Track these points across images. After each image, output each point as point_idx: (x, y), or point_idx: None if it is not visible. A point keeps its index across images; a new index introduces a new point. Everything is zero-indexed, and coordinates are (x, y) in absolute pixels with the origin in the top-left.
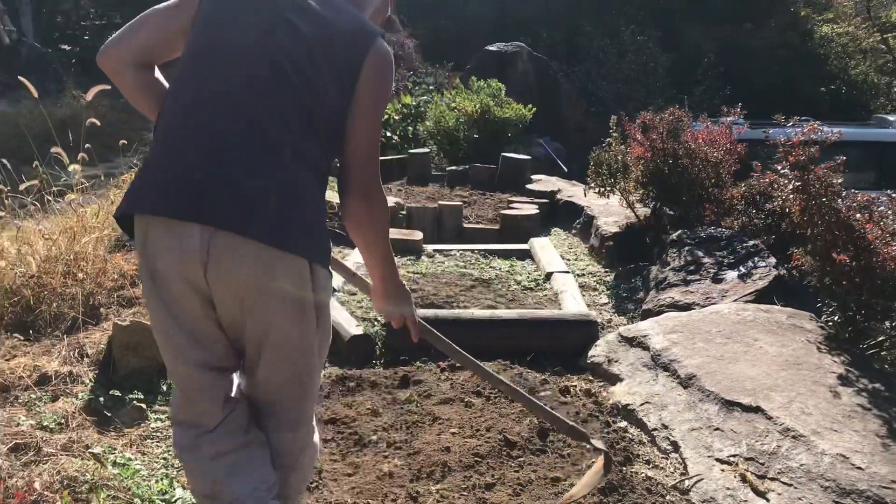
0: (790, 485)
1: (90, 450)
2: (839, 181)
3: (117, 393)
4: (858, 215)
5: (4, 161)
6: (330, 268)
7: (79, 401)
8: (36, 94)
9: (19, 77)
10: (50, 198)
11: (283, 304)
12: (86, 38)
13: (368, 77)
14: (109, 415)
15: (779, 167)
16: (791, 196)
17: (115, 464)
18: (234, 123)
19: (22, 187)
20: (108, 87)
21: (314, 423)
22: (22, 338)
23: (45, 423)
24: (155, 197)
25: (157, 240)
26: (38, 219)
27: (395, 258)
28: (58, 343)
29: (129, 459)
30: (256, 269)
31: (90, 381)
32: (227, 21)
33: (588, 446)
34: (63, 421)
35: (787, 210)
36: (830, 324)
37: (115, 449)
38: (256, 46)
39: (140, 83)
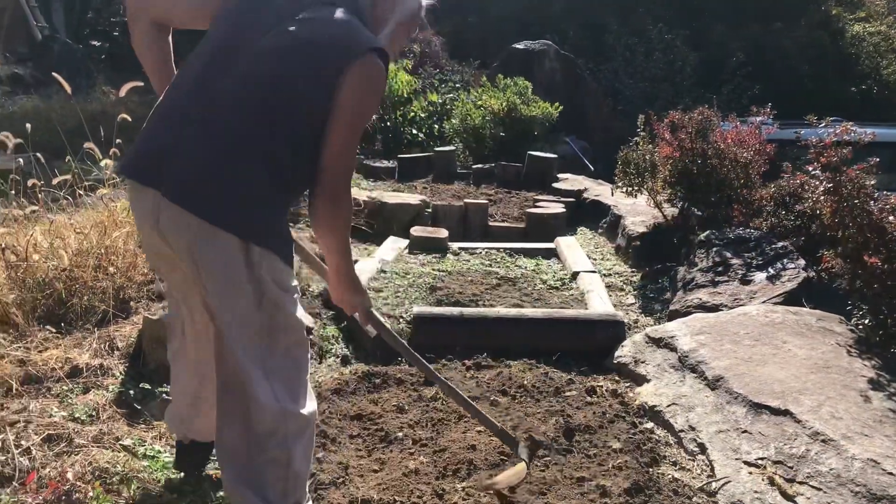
0: (819, 489)
1: (121, 441)
2: (872, 183)
3: (147, 386)
4: (891, 217)
5: (38, 155)
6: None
7: (109, 393)
8: (69, 91)
9: (52, 73)
10: (82, 192)
11: (214, 276)
12: (115, 33)
13: (349, 88)
14: (139, 407)
15: (810, 168)
16: (822, 197)
17: (145, 456)
18: (202, 108)
19: (55, 181)
20: (140, 83)
21: (293, 415)
22: (54, 330)
23: (76, 415)
24: (131, 162)
25: (132, 200)
26: (70, 213)
27: (421, 255)
28: (89, 336)
29: (159, 452)
30: (191, 238)
31: (120, 373)
32: (234, 22)
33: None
34: (94, 413)
35: (818, 212)
36: (861, 327)
37: (144, 441)
38: (247, 46)
39: (149, 36)
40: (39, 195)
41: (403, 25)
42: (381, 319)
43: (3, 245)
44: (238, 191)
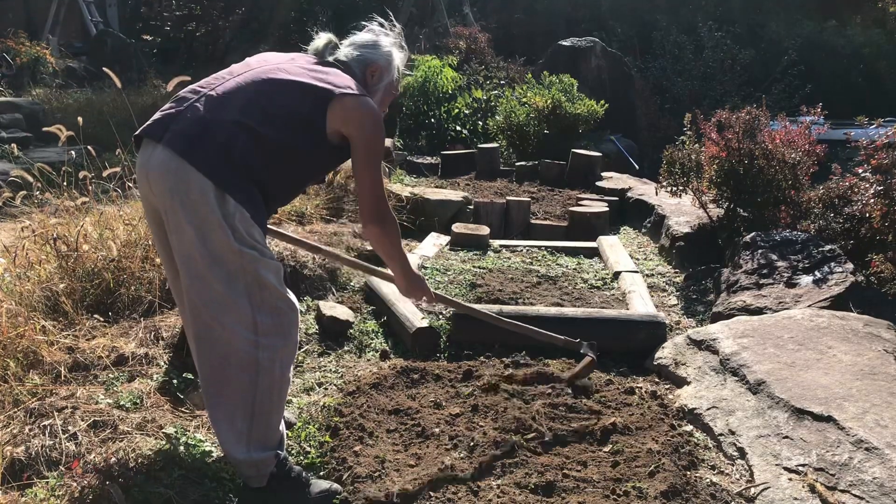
0: (862, 498)
1: (163, 429)
2: None
3: (190, 376)
4: None
5: (89, 147)
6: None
7: (153, 382)
8: (120, 85)
9: (104, 68)
10: (131, 184)
11: (192, 216)
12: (167, 28)
13: (341, 126)
14: (182, 396)
15: (859, 170)
16: (872, 200)
17: (186, 444)
18: (208, 90)
19: (105, 173)
20: (188, 77)
21: (264, 346)
22: (101, 319)
23: (121, 402)
24: (146, 126)
25: (138, 159)
26: (120, 204)
27: (462, 252)
28: (135, 325)
29: (200, 441)
30: (174, 182)
31: (164, 363)
32: (253, 60)
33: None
34: (138, 401)
35: (868, 215)
36: None
37: (187, 430)
38: (254, 67)
39: None
40: (90, 187)
41: (389, 90)
42: (446, 296)
43: (55, 235)
44: (221, 149)
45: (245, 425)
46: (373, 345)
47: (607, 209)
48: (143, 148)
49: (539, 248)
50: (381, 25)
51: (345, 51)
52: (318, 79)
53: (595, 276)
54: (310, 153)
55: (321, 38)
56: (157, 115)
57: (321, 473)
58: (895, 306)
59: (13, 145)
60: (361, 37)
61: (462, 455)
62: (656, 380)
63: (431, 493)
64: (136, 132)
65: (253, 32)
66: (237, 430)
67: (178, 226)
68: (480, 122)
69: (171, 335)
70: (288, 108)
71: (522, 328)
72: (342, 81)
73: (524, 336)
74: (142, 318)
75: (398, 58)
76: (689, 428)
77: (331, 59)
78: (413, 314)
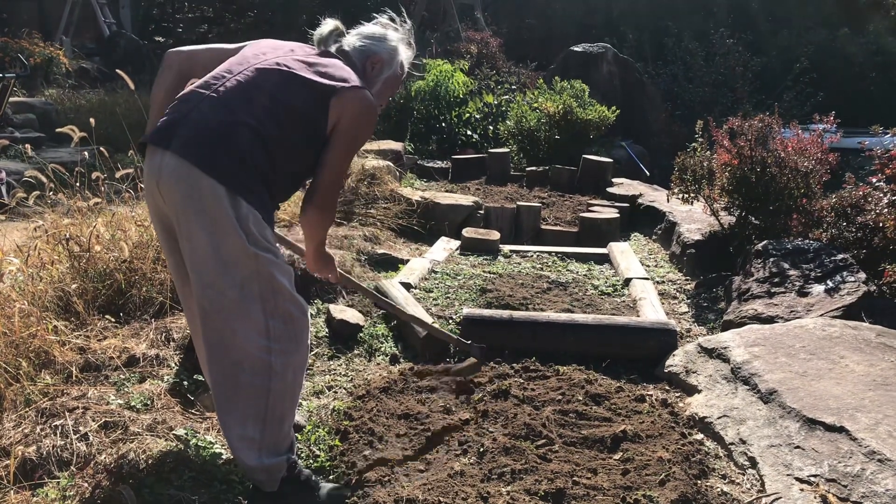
0: None
1: (174, 431)
2: None
3: (200, 377)
4: None
5: (102, 149)
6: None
7: (164, 383)
8: (132, 86)
9: (117, 70)
10: (143, 186)
11: (205, 222)
12: (179, 29)
13: (347, 115)
14: (192, 398)
15: (873, 179)
16: (886, 210)
17: (196, 446)
18: (212, 93)
19: (118, 175)
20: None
21: (277, 352)
22: (113, 320)
23: (132, 403)
24: (151, 132)
25: (145, 165)
26: (132, 205)
27: (472, 257)
28: (146, 326)
29: (210, 443)
30: (186, 189)
31: (175, 364)
32: (245, 53)
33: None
34: (149, 402)
35: (881, 224)
36: None
37: (197, 432)
38: (257, 62)
39: (173, 84)
40: (102, 188)
41: (389, 84)
42: (349, 276)
43: (68, 236)
44: (232, 152)
45: (257, 431)
46: (382, 349)
47: (618, 215)
48: (149, 155)
49: (549, 253)
50: (392, 20)
51: (349, 40)
52: (319, 73)
53: (605, 282)
54: (310, 150)
55: (327, 25)
56: (160, 122)
57: (330, 477)
58: None
59: (27, 145)
60: (369, 28)
61: (472, 461)
62: (667, 387)
63: (441, 499)
64: (141, 139)
65: (264, 35)
66: (249, 436)
67: (190, 233)
68: (491, 127)
69: (181, 337)
70: (291, 106)
71: (415, 319)
72: (342, 74)
73: (535, 340)
74: (153, 320)
75: (404, 54)
76: (700, 436)
77: (333, 47)
78: (422, 318)
